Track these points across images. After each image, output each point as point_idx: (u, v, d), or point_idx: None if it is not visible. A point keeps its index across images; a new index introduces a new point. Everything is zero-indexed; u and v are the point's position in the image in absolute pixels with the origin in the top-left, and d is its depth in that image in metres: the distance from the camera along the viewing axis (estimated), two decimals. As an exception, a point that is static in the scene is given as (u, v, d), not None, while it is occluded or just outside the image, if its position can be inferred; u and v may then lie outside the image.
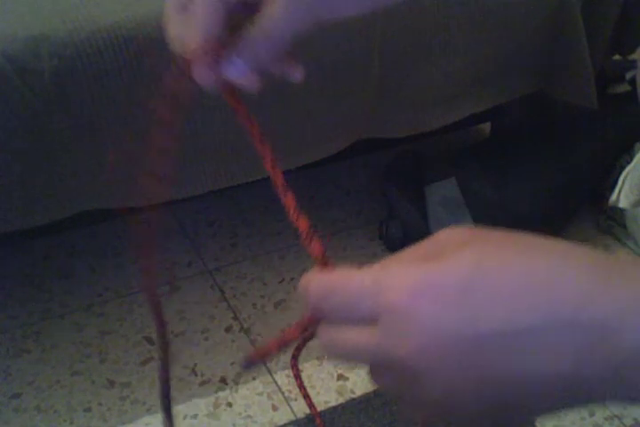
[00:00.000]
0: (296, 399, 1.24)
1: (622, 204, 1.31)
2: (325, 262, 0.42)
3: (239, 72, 0.46)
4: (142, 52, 1.04)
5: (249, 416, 1.22)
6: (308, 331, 0.40)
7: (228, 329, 1.38)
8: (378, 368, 0.36)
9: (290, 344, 0.41)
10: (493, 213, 1.41)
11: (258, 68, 0.47)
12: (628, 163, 1.35)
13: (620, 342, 0.31)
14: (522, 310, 0.32)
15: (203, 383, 1.28)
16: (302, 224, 0.44)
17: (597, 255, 0.34)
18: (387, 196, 1.51)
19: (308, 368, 1.29)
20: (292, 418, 1.21)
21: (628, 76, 1.57)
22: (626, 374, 0.31)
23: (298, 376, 1.24)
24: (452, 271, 0.33)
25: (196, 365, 1.31)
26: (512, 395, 0.33)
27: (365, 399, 1.22)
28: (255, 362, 0.42)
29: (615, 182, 1.33)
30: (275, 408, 1.24)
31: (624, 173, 1.31)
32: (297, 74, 0.49)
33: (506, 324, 0.32)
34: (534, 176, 1.47)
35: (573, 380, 0.32)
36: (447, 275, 0.33)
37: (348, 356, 0.37)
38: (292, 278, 1.48)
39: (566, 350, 0.31)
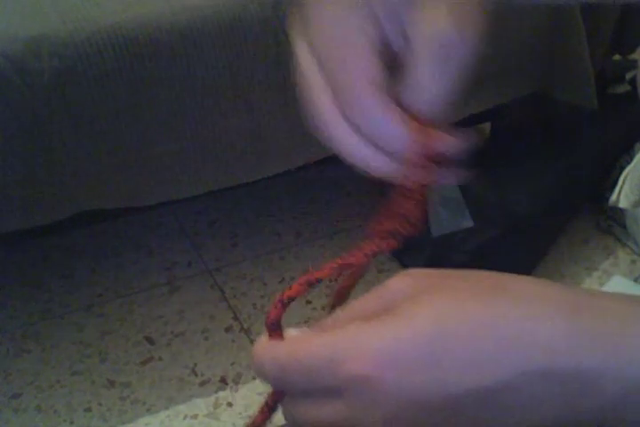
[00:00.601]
0: (296, 399, 1.24)
1: (622, 204, 1.31)
2: (277, 328, 0.38)
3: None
4: (143, 52, 1.04)
5: (249, 416, 1.22)
6: (276, 409, 0.38)
7: (228, 329, 1.38)
8: None
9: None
10: (493, 213, 1.41)
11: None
12: (628, 163, 1.35)
13: (602, 390, 0.30)
14: (494, 367, 0.30)
15: (203, 383, 1.28)
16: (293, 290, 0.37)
17: (566, 295, 0.32)
18: (387, 196, 1.51)
19: (308, 368, 1.30)
20: (292, 418, 1.21)
21: (628, 76, 1.56)
22: (609, 421, 0.30)
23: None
24: (413, 335, 0.31)
25: (196, 365, 1.31)
26: None
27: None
28: None
29: (615, 182, 1.33)
30: (275, 408, 1.24)
31: (624, 173, 1.31)
32: None
33: (478, 382, 0.30)
34: (534, 176, 1.47)
35: None
36: (408, 339, 0.31)
37: None
38: (292, 278, 1.48)
39: (545, 404, 0.30)
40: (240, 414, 1.23)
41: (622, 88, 1.57)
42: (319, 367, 0.33)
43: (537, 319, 0.31)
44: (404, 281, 0.34)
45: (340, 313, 0.36)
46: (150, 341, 1.35)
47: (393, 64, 0.36)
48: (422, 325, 0.31)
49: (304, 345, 0.34)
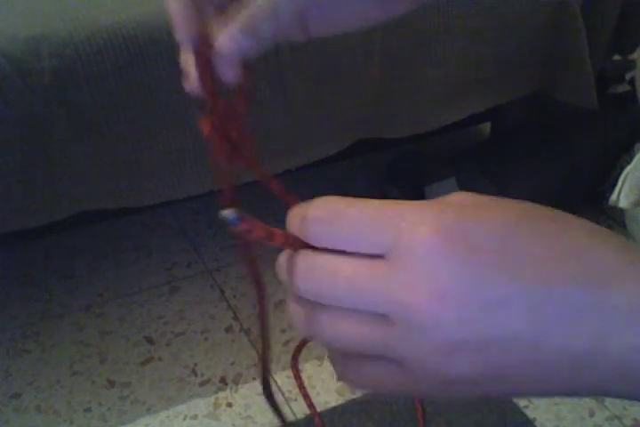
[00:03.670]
0: (296, 399, 1.24)
1: (622, 204, 1.31)
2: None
3: (238, 49, 0.40)
4: (143, 52, 1.04)
5: (249, 416, 1.22)
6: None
7: (228, 329, 1.38)
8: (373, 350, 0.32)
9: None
10: (493, 213, 1.40)
11: (257, 46, 0.41)
12: (628, 163, 1.35)
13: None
14: (557, 274, 0.30)
15: (203, 383, 1.28)
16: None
17: (622, 239, 0.32)
18: (387, 196, 1.51)
19: (308, 369, 1.29)
20: (292, 418, 1.21)
21: (628, 76, 1.57)
22: None
23: (298, 376, 1.24)
24: (489, 224, 0.30)
25: (196, 365, 1.31)
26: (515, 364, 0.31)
27: (365, 400, 1.22)
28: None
29: (615, 182, 1.33)
30: (275, 408, 1.24)
31: (624, 173, 1.31)
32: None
33: (540, 285, 0.29)
34: (534, 176, 1.47)
35: (587, 360, 0.30)
36: (483, 226, 0.30)
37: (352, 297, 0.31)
38: (292, 278, 1.47)
39: (589, 328, 0.30)
40: (240, 414, 1.23)
41: (622, 88, 1.57)
42: (379, 223, 0.31)
43: (599, 250, 0.31)
44: (466, 197, 0.33)
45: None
46: (150, 341, 1.35)
47: None
48: (498, 220, 0.31)
49: (364, 202, 0.32)
